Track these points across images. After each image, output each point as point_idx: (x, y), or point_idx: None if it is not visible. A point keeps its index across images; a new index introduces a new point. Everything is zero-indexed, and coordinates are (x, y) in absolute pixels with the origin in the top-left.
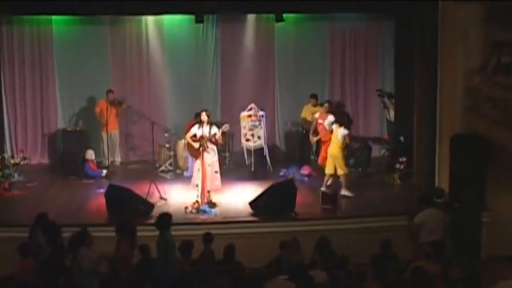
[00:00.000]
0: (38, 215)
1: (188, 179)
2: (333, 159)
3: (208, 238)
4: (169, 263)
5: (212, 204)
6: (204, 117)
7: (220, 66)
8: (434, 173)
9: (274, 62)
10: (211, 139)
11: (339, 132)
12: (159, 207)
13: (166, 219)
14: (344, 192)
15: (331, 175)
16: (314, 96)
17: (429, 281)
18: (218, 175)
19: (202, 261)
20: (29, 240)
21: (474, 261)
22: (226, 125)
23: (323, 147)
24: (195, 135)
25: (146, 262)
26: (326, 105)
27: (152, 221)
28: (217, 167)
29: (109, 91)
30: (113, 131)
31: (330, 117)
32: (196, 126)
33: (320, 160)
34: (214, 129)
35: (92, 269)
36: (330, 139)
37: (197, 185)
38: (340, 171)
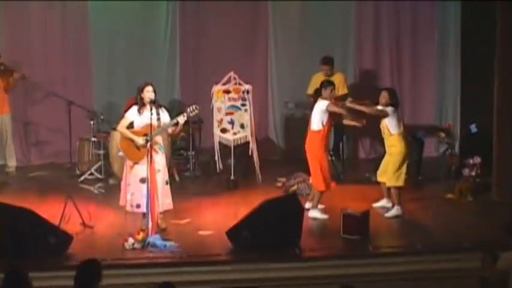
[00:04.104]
0: None
1: None
2: (386, 161)
3: None
4: None
5: (166, 234)
6: (150, 94)
7: (179, 16)
8: None
9: (267, 10)
10: (165, 131)
11: (318, 105)
12: (81, 240)
13: (90, 272)
14: (312, 213)
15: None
16: (327, 61)
17: None
18: (169, 188)
19: None
20: None
21: None
22: (193, 106)
23: None
24: (132, 125)
25: None
26: (383, 93)
27: (70, 262)
28: (167, 175)
29: None
30: (1, 115)
31: (322, 104)
32: (134, 109)
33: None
34: (165, 116)
35: None
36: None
37: (138, 206)
38: (389, 181)
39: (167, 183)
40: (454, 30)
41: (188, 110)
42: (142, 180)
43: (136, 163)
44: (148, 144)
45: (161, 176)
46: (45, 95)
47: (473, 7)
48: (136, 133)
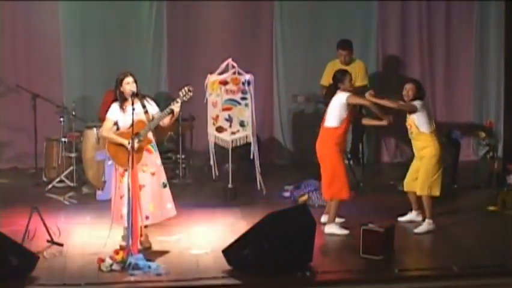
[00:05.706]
0: None
1: (105, 205)
2: (416, 168)
3: None
4: None
5: (150, 253)
6: (130, 86)
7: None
8: None
9: None
10: (156, 125)
11: (336, 98)
12: (49, 262)
13: None
14: (330, 229)
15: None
16: (345, 45)
17: None
18: (169, 191)
19: None
20: None
21: None
22: (185, 88)
23: None
24: (117, 125)
25: None
26: (410, 85)
27: (35, 286)
28: (164, 176)
29: None
30: None
31: (342, 97)
32: (116, 106)
33: None
34: (153, 107)
35: None
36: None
37: (123, 216)
38: (422, 190)
39: (165, 186)
40: (496, 11)
41: (181, 93)
42: (140, 187)
43: (124, 167)
44: (136, 143)
45: (156, 179)
46: (6, 88)
47: None
48: (125, 135)
